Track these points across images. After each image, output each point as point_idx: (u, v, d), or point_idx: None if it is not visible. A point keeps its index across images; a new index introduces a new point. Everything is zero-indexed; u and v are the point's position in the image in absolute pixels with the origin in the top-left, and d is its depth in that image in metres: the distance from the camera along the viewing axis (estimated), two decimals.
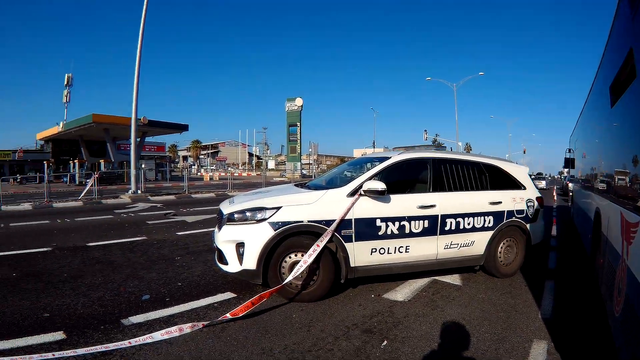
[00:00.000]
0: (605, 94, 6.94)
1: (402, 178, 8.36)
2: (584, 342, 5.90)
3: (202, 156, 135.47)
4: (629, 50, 4.73)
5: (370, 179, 7.70)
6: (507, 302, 7.52)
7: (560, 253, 12.05)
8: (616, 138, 5.77)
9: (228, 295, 7.61)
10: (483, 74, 70.83)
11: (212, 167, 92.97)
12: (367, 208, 7.48)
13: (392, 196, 7.70)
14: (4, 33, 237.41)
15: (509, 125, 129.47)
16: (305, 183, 9.60)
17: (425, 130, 73.51)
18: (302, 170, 73.72)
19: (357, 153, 78.95)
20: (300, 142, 77.55)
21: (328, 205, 7.32)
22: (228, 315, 6.33)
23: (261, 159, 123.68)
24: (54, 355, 5.32)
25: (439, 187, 8.31)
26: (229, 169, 67.15)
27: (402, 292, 7.92)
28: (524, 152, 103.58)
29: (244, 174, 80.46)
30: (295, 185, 9.39)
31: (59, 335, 5.96)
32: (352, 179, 7.96)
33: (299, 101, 76.46)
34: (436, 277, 8.82)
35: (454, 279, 8.82)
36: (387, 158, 8.28)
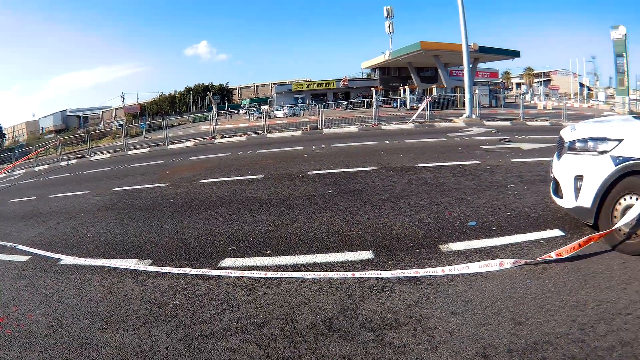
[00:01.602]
0: None
1: None
2: None
3: (534, 84, 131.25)
4: None
5: None
6: None
7: None
8: None
9: (556, 232, 6.87)
10: None
11: (545, 96, 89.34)
12: None
13: None
14: None
15: None
16: None
17: None
18: (629, 106, 66.65)
19: None
20: (628, 74, 70.39)
21: None
22: (552, 255, 5.74)
23: (591, 90, 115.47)
24: (353, 275, 5.37)
25: None
26: (562, 99, 63.78)
27: None
28: None
29: (576, 105, 75.52)
30: (634, 117, 8.14)
31: (366, 255, 6.00)
32: None
33: (622, 29, 68.36)
34: None
35: None
36: None
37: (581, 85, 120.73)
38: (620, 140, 6.12)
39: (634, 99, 73.29)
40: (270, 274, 5.68)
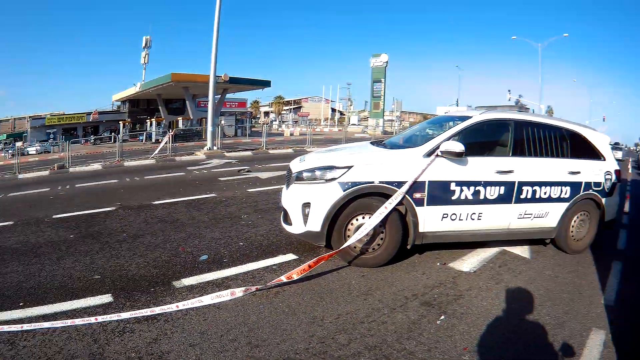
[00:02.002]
0: None
1: (481, 139, 8.02)
2: None
3: (284, 112, 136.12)
4: None
5: (448, 139, 7.34)
6: (573, 282, 7.13)
7: (632, 232, 11.23)
8: None
9: (289, 257, 7.49)
10: (567, 36, 72.92)
11: (293, 123, 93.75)
12: (442, 170, 7.17)
13: (470, 159, 7.36)
14: None
15: (590, 90, 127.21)
16: (382, 141, 9.30)
17: (509, 91, 73.20)
18: (384, 127, 73.63)
19: (440, 111, 78.03)
20: (384, 98, 77.15)
21: (402, 165, 7.06)
22: (283, 278, 6.19)
23: (344, 114, 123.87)
24: (96, 319, 5.40)
25: (519, 151, 7.92)
26: (311, 124, 67.43)
27: (469, 262, 7.61)
28: (604, 120, 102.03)
29: (326, 130, 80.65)
30: (371, 143, 9.12)
31: (106, 298, 6.05)
32: (430, 138, 7.68)
33: (384, 57, 75.97)
34: (506, 248, 8.42)
35: (523, 251, 8.41)
36: (468, 117, 7.89)
37: (334, 110, 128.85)
38: (349, 167, 6.89)
39: (389, 120, 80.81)
40: (25, 327, 5.51)
